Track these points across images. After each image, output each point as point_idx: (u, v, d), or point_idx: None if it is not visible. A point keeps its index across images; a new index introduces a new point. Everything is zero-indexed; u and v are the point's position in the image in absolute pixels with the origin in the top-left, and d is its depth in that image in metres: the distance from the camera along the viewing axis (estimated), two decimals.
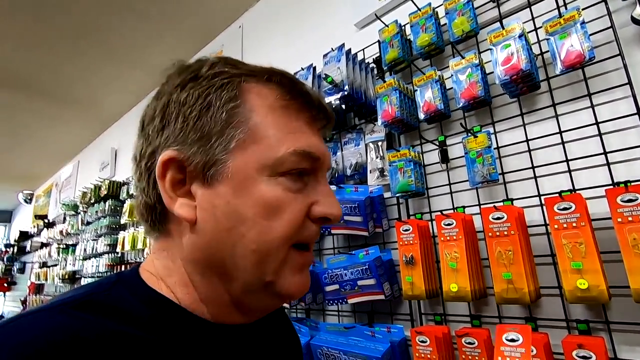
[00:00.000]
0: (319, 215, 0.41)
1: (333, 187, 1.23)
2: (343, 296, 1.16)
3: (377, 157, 1.25)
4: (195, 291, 0.40)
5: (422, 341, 0.95)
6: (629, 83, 0.81)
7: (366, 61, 1.35)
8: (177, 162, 0.39)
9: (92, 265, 2.99)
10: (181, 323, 0.39)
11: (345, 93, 1.21)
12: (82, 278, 3.24)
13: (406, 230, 1.04)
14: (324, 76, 1.26)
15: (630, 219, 0.70)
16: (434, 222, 1.06)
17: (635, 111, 0.80)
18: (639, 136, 0.80)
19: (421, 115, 1.11)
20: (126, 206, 2.69)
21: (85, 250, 3.14)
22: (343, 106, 1.26)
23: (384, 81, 1.15)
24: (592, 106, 0.87)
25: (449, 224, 0.95)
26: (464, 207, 1.02)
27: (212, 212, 0.38)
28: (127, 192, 2.75)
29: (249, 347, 0.45)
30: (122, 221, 2.70)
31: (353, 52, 1.34)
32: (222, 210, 0.38)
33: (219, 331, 0.41)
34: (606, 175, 0.83)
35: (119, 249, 2.71)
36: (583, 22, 0.84)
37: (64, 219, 3.87)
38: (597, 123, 0.86)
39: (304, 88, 0.43)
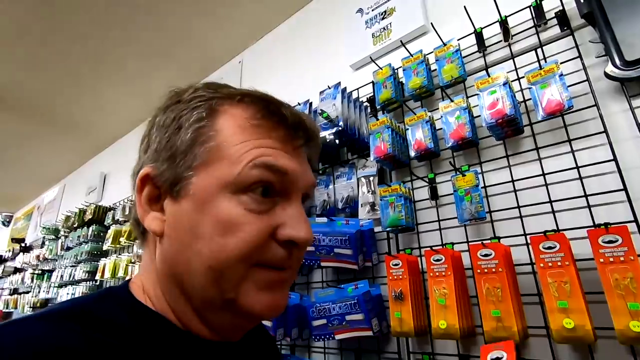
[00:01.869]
0: (284, 238, 0.39)
1: (324, 219, 1.24)
2: (330, 332, 1.13)
3: (368, 192, 1.28)
4: (166, 303, 0.41)
5: None
6: (605, 132, 0.87)
7: (360, 100, 1.41)
8: (151, 178, 0.41)
9: (68, 293, 2.85)
10: (164, 336, 0.39)
11: (340, 128, 1.26)
12: None
13: (396, 264, 1.05)
14: (320, 111, 1.31)
15: (611, 259, 0.72)
16: (423, 258, 1.07)
17: (612, 157, 0.85)
18: (616, 181, 0.84)
19: (412, 153, 1.15)
20: (110, 232, 2.61)
21: (62, 276, 3.00)
22: (337, 141, 1.30)
23: (377, 119, 1.21)
24: (572, 151, 0.92)
25: (438, 260, 0.96)
26: (452, 243, 1.04)
27: (175, 227, 0.39)
28: (113, 218, 2.69)
29: None
30: (105, 247, 2.62)
31: (348, 90, 1.40)
32: (183, 225, 0.39)
33: (206, 347, 0.41)
34: (587, 216, 0.86)
35: (98, 277, 2.61)
36: (561, 75, 0.92)
37: (43, 243, 3.73)
38: (577, 167, 0.91)
39: (280, 108, 0.42)
